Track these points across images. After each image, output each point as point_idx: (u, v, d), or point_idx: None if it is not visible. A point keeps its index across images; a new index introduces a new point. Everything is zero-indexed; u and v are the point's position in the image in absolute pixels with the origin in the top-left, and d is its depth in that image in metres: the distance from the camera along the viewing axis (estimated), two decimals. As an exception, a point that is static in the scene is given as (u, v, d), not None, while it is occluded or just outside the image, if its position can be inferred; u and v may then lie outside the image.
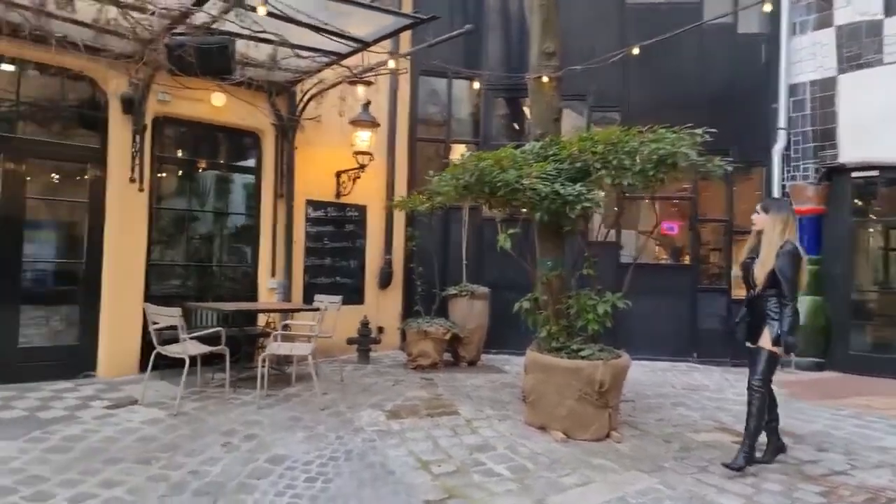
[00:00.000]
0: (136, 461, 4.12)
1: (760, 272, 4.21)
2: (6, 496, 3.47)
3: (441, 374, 7.34)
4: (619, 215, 5.74)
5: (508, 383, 6.92)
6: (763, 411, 4.30)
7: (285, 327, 6.26)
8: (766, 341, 4.19)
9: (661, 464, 4.37)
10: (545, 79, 6.09)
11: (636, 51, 6.78)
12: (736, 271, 4.81)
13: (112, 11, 5.10)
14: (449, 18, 8.44)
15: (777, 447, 4.55)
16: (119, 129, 6.56)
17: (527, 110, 9.31)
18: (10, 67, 6.09)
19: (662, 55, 7.56)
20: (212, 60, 5.62)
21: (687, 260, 9.21)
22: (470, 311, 7.89)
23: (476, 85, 8.50)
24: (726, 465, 4.19)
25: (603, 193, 5.26)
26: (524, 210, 5.53)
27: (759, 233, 4.37)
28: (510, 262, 7.01)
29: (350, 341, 7.80)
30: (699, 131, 4.64)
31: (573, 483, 3.96)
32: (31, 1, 4.70)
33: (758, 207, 4.45)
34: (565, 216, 5.08)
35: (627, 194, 5.80)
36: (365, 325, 7.86)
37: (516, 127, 9.69)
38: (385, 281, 8.76)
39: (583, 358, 4.94)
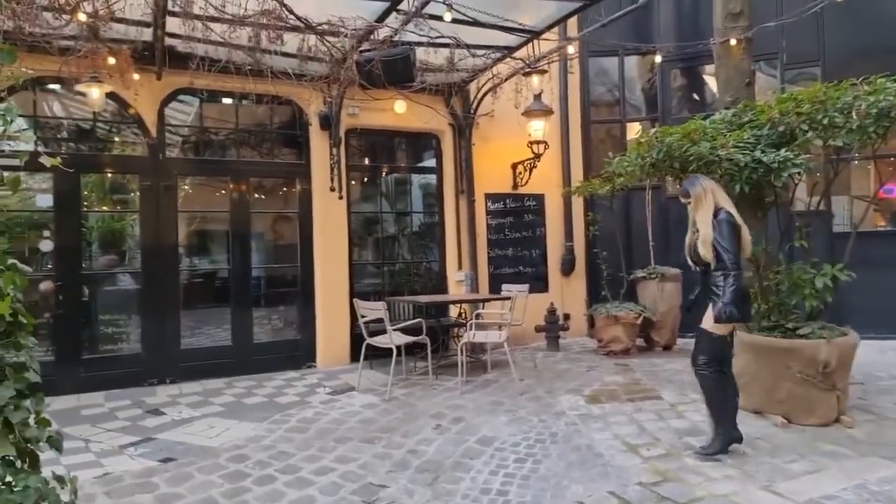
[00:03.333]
0: (362, 440, 4.57)
1: (705, 250, 3.90)
2: (264, 468, 4.05)
3: (635, 360, 7.17)
4: (832, 180, 5.16)
5: (710, 368, 6.56)
6: (715, 392, 3.98)
7: (477, 317, 6.53)
8: (707, 321, 3.90)
9: (907, 451, 3.90)
10: (733, 41, 5.70)
11: (842, -5, 6.06)
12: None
13: (312, 39, 5.68)
14: (616, -7, 8.20)
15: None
16: (318, 145, 7.28)
17: (707, 78, 8.74)
18: (228, 100, 7.04)
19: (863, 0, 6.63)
20: (396, 71, 6.04)
21: (914, 225, 8.03)
22: (661, 293, 7.60)
23: (653, 58, 8.14)
24: (698, 452, 4.00)
25: (811, 157, 4.81)
26: (719, 183, 5.22)
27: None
28: (702, 241, 6.66)
29: (538, 329, 7.91)
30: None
31: (802, 470, 3.68)
32: (249, 40, 5.40)
33: (680, 196, 4.20)
34: (769, 185, 4.71)
35: (841, 156, 5.22)
36: (552, 312, 7.92)
37: (696, 98, 9.12)
38: (568, 268, 8.74)
39: (801, 337, 4.55)
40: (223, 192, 7.12)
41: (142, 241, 6.53)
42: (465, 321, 7.30)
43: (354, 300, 6.26)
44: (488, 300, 7.08)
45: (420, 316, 6.73)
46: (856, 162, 7.69)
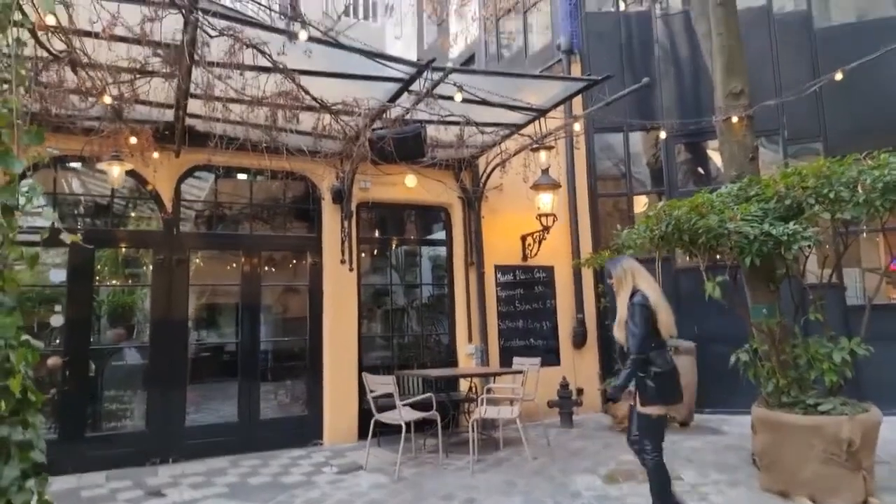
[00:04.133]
0: (371, 523, 4.38)
1: (619, 331, 3.96)
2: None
3: (650, 437, 6.93)
4: (842, 253, 5.16)
5: (731, 445, 6.33)
6: (663, 476, 3.96)
7: (488, 391, 6.40)
8: (643, 404, 3.88)
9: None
10: (735, 119, 5.84)
11: (839, 76, 6.25)
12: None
13: (326, 118, 5.88)
14: (619, 73, 8.51)
15: None
16: (330, 218, 7.39)
17: (711, 153, 8.91)
18: (243, 176, 7.22)
19: (862, 77, 6.83)
20: (407, 147, 6.22)
21: (928, 297, 7.93)
22: (674, 367, 7.43)
23: (656, 135, 8.34)
24: None
25: (819, 230, 4.83)
26: (728, 256, 5.23)
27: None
28: (713, 313, 6.59)
29: (551, 404, 7.72)
30: (930, 153, 4.12)
31: (836, 558, 3.48)
32: (266, 119, 5.59)
33: (606, 276, 4.14)
34: (779, 258, 4.71)
35: (849, 229, 5.25)
36: (564, 386, 7.76)
37: (701, 172, 9.27)
38: (579, 340, 8.64)
39: (822, 413, 4.42)
40: (234, 264, 7.18)
41: (152, 314, 6.54)
42: (475, 396, 7.16)
43: (363, 374, 6.17)
44: (499, 374, 6.96)
45: (430, 390, 6.61)
46: (864, 235, 7.70)
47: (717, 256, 5.66)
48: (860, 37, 7.85)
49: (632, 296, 3.97)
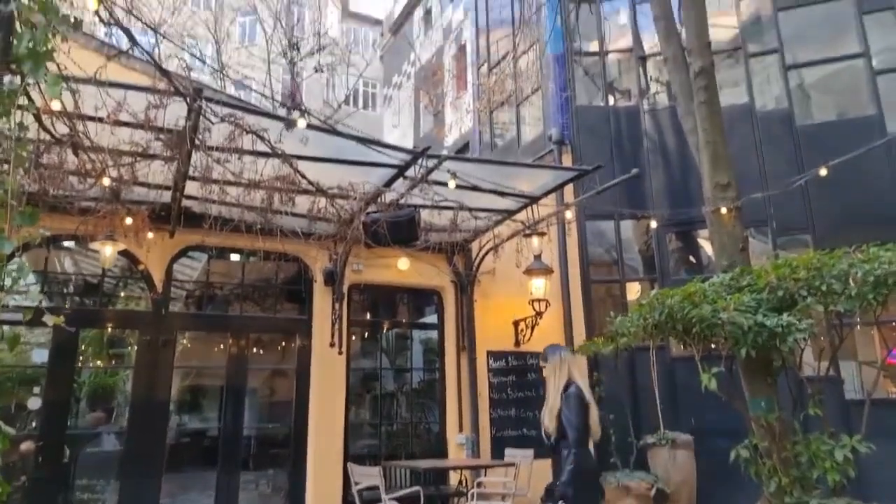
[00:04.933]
0: None
1: (549, 420, 3.89)
2: None
3: (649, 536, 6.62)
4: (837, 345, 5.12)
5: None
6: None
7: (479, 485, 6.14)
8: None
9: None
10: (724, 210, 5.94)
11: (824, 172, 6.45)
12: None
13: (322, 201, 5.95)
14: (610, 163, 8.73)
15: None
16: (321, 300, 7.33)
17: (702, 242, 9.03)
18: (236, 257, 7.22)
19: (846, 171, 7.03)
20: (401, 231, 6.26)
21: (927, 391, 7.83)
22: (672, 461, 7.20)
23: (648, 223, 8.47)
24: None
25: (813, 322, 4.81)
26: (723, 346, 5.18)
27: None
28: (710, 405, 6.42)
29: (545, 499, 7.38)
30: (919, 247, 4.18)
31: None
32: (262, 202, 5.65)
33: (540, 359, 4.24)
34: (775, 349, 4.66)
35: (844, 321, 5.23)
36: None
37: (693, 260, 9.36)
38: (573, 431, 8.38)
39: (827, 515, 4.23)
40: (222, 345, 7.06)
41: (132, 397, 6.34)
42: (466, 490, 6.85)
43: (349, 464, 5.93)
44: (490, 466, 6.70)
45: (418, 482, 6.33)
46: (858, 327, 7.70)
47: (713, 346, 5.61)
48: (841, 134, 8.16)
49: (566, 387, 3.93)
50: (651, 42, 9.50)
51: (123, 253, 6.25)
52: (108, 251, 5.68)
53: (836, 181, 7.56)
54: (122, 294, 6.77)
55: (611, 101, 10.11)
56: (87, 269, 6.59)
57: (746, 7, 9.44)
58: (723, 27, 9.24)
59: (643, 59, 9.89)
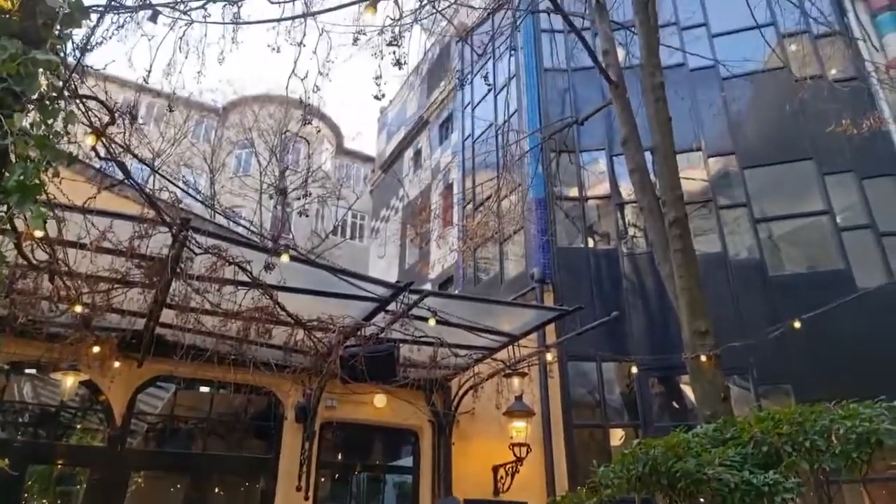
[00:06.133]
0: None
1: None
2: None
3: None
4: (828, 504, 4.90)
5: None
6: None
7: None
8: None
9: None
10: (703, 358, 5.92)
11: (797, 325, 6.55)
12: None
13: (300, 333, 5.86)
14: (590, 304, 8.81)
15: None
16: (291, 438, 6.99)
17: (685, 388, 8.92)
18: (205, 389, 6.95)
19: (822, 323, 7.13)
20: (379, 367, 6.15)
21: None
22: None
23: (629, 367, 8.41)
24: None
25: (800, 480, 4.62)
26: None
27: None
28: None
29: None
30: (900, 403, 4.14)
31: None
32: (238, 332, 5.55)
33: None
34: (765, 509, 4.42)
35: (830, 479, 5.05)
36: None
37: (676, 406, 9.18)
38: (554, 592, 7.72)
39: None
40: (179, 486, 6.59)
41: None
42: None
43: None
44: None
45: None
46: (842, 485, 7.46)
47: (702, 500, 5.34)
48: (813, 285, 8.41)
49: None
50: (628, 189, 9.99)
51: (86, 383, 6.00)
52: (69, 382, 5.45)
53: (813, 332, 7.65)
54: (79, 426, 6.41)
55: (591, 243, 10.43)
56: (46, 398, 6.28)
57: (714, 164, 10.07)
58: (695, 180, 9.79)
59: (621, 206, 10.35)
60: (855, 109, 8.31)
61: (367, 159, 26.22)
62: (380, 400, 7.33)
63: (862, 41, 9.53)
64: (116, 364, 5.83)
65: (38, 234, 3.67)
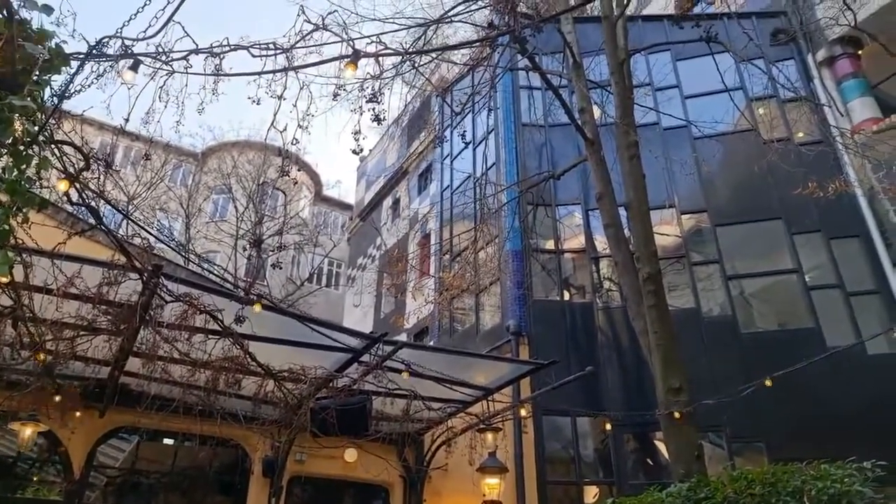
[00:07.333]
0: None
1: None
2: None
3: None
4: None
5: None
6: None
7: None
8: None
9: None
10: (677, 415, 5.91)
11: (769, 383, 6.60)
12: None
13: (270, 385, 5.73)
14: (565, 357, 8.78)
15: None
16: (257, 493, 6.75)
17: (659, 444, 8.85)
18: (169, 441, 6.72)
19: (793, 382, 7.13)
20: (351, 420, 6.04)
21: None
22: None
23: (604, 424, 8.34)
24: None
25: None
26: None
27: None
28: None
29: None
30: (868, 465, 4.15)
31: None
32: (206, 382, 5.40)
33: None
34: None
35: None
36: None
37: (651, 463, 9.08)
38: None
39: None
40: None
41: None
42: None
43: None
44: None
45: None
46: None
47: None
48: (784, 343, 8.51)
49: None
50: (603, 243, 10.12)
51: (45, 433, 5.75)
52: (27, 433, 5.22)
53: (784, 391, 7.68)
54: (36, 478, 6.11)
55: (566, 296, 10.47)
56: (3, 447, 6.00)
57: (687, 220, 10.28)
58: (668, 236, 9.96)
59: (596, 260, 10.46)
60: (821, 172, 8.60)
61: (346, 207, 26.32)
62: (350, 454, 7.15)
63: (827, 107, 9.94)
64: (77, 414, 5.61)
65: (3, 280, 3.58)
